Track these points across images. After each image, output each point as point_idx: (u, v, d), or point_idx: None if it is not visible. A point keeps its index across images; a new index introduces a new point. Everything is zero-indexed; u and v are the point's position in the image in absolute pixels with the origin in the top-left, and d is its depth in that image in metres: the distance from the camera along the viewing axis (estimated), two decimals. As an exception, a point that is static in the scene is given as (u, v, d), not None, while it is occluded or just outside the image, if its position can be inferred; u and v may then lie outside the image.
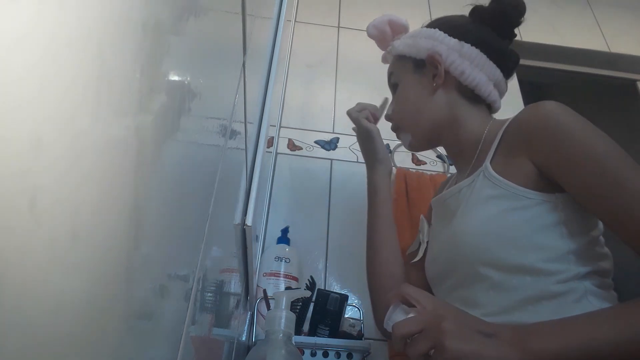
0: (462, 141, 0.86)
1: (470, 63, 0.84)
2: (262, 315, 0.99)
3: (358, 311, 1.12)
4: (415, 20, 1.81)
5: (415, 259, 0.91)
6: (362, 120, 1.00)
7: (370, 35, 1.02)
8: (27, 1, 0.12)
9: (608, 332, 0.54)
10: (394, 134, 0.99)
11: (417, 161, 1.45)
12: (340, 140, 1.45)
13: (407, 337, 0.58)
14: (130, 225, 0.21)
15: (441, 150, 1.46)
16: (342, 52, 1.67)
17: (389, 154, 1.06)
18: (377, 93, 1.60)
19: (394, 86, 0.96)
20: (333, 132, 1.47)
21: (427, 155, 1.47)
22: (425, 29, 0.92)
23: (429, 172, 1.38)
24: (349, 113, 1.04)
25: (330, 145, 1.44)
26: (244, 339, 0.97)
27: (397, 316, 0.62)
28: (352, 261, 1.24)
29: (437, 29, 0.89)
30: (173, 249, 0.31)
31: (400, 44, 0.94)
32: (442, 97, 0.87)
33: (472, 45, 0.85)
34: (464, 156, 0.86)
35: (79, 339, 0.17)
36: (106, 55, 0.17)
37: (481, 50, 0.85)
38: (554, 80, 1.94)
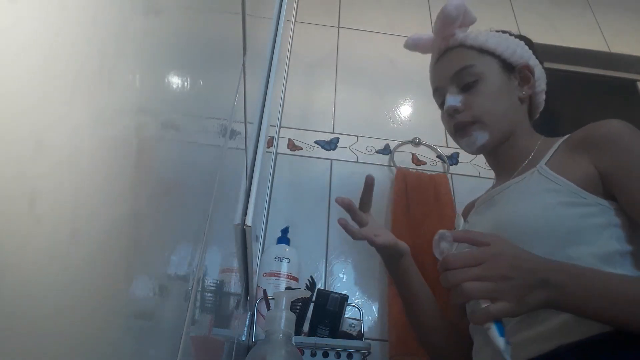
0: (514, 150, 0.88)
1: (544, 85, 0.93)
2: (262, 315, 0.99)
3: (358, 311, 1.12)
4: (416, 20, 1.81)
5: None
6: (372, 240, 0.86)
7: (446, 13, 0.91)
8: (29, 3, 0.12)
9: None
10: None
11: (417, 161, 1.45)
12: (340, 140, 1.45)
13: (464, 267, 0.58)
14: (130, 225, 0.21)
15: (441, 150, 1.46)
16: (342, 52, 1.67)
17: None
18: (377, 93, 1.60)
19: (466, 79, 0.88)
20: (333, 132, 1.47)
21: (427, 155, 1.47)
22: (511, 37, 0.93)
23: (429, 172, 1.38)
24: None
25: (330, 145, 1.44)
26: (244, 339, 0.97)
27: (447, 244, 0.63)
28: (352, 261, 1.24)
29: (524, 43, 0.93)
30: (173, 249, 0.31)
31: (489, 39, 0.90)
32: (519, 107, 0.90)
33: (543, 70, 0.93)
34: (510, 164, 0.88)
35: (79, 339, 0.17)
36: (106, 55, 0.17)
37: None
38: (553, 80, 1.94)
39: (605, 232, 0.69)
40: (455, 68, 0.90)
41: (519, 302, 0.56)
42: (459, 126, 0.88)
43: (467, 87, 0.88)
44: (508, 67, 0.90)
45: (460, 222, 0.93)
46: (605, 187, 0.71)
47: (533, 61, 0.91)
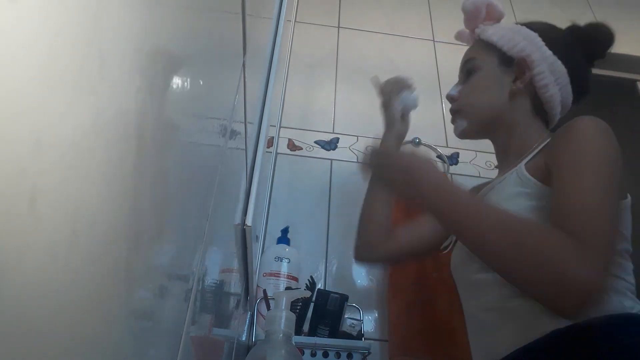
0: (511, 145, 0.89)
1: (555, 80, 0.86)
2: (262, 315, 0.99)
3: (358, 311, 1.12)
4: (416, 20, 1.81)
5: (446, 251, 0.96)
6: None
7: (464, 9, 0.98)
8: (29, 3, 0.12)
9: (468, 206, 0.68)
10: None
11: (417, 161, 1.45)
12: (340, 140, 1.45)
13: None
14: (130, 225, 0.21)
15: (441, 150, 1.46)
16: (342, 52, 1.67)
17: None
18: (377, 93, 1.60)
19: (468, 71, 0.94)
20: (333, 132, 1.47)
21: (427, 155, 1.47)
22: (525, 28, 0.90)
23: (429, 172, 1.38)
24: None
25: (330, 145, 1.44)
26: (244, 339, 0.97)
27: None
28: (352, 261, 1.24)
29: (537, 35, 0.88)
30: (173, 249, 0.31)
31: (495, 33, 0.92)
32: (514, 101, 0.88)
33: (562, 64, 0.86)
34: (508, 159, 0.89)
35: (79, 339, 0.17)
36: (106, 55, 0.17)
37: (568, 72, 0.86)
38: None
39: None
40: (463, 60, 0.97)
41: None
42: (451, 113, 0.97)
43: (467, 79, 0.94)
44: (506, 60, 0.89)
45: None
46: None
47: (537, 54, 0.86)
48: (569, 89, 0.87)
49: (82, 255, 0.17)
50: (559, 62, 0.86)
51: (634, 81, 1.92)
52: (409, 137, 1.48)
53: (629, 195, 0.78)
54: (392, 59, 1.67)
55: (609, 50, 0.93)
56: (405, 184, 0.73)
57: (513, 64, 0.88)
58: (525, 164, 0.79)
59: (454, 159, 1.45)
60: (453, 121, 0.96)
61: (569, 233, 0.60)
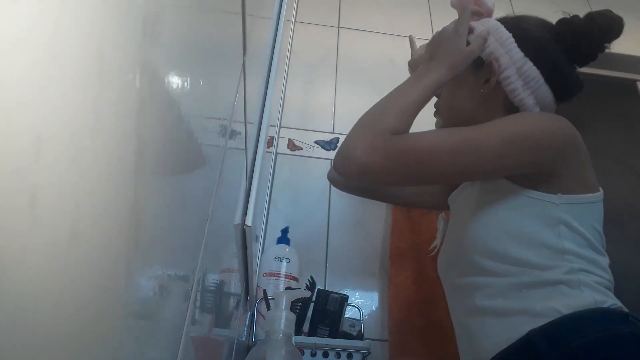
0: None
1: (524, 84, 0.83)
2: (262, 315, 0.99)
3: (358, 311, 1.12)
4: (416, 20, 1.81)
5: (433, 253, 0.98)
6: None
7: (451, 5, 0.95)
8: (28, 0, 0.12)
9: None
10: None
11: (417, 161, 1.45)
12: (340, 141, 1.45)
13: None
14: (130, 225, 0.21)
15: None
16: (342, 52, 1.67)
17: None
18: (377, 93, 1.59)
19: None
20: (333, 132, 1.47)
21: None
22: (502, 27, 0.86)
23: (429, 172, 1.38)
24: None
25: (330, 145, 1.44)
26: (244, 339, 0.97)
27: None
28: (352, 261, 1.24)
29: (511, 36, 0.85)
30: (173, 249, 0.31)
31: (474, 34, 0.87)
32: (487, 103, 0.85)
33: (534, 65, 0.83)
34: None
35: (79, 339, 0.17)
36: (106, 54, 0.17)
37: (542, 72, 0.83)
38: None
39: (550, 229, 0.74)
40: None
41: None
42: (435, 107, 0.97)
43: None
44: (479, 62, 0.85)
45: (441, 224, 0.99)
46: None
47: (505, 58, 0.83)
48: (544, 90, 0.84)
49: (82, 254, 0.17)
50: (530, 64, 0.83)
51: (634, 81, 1.92)
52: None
53: (601, 189, 0.79)
54: (391, 59, 1.67)
55: (607, 43, 0.91)
56: (430, 55, 0.83)
57: (484, 67, 0.85)
58: None
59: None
60: (434, 115, 0.97)
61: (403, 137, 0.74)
